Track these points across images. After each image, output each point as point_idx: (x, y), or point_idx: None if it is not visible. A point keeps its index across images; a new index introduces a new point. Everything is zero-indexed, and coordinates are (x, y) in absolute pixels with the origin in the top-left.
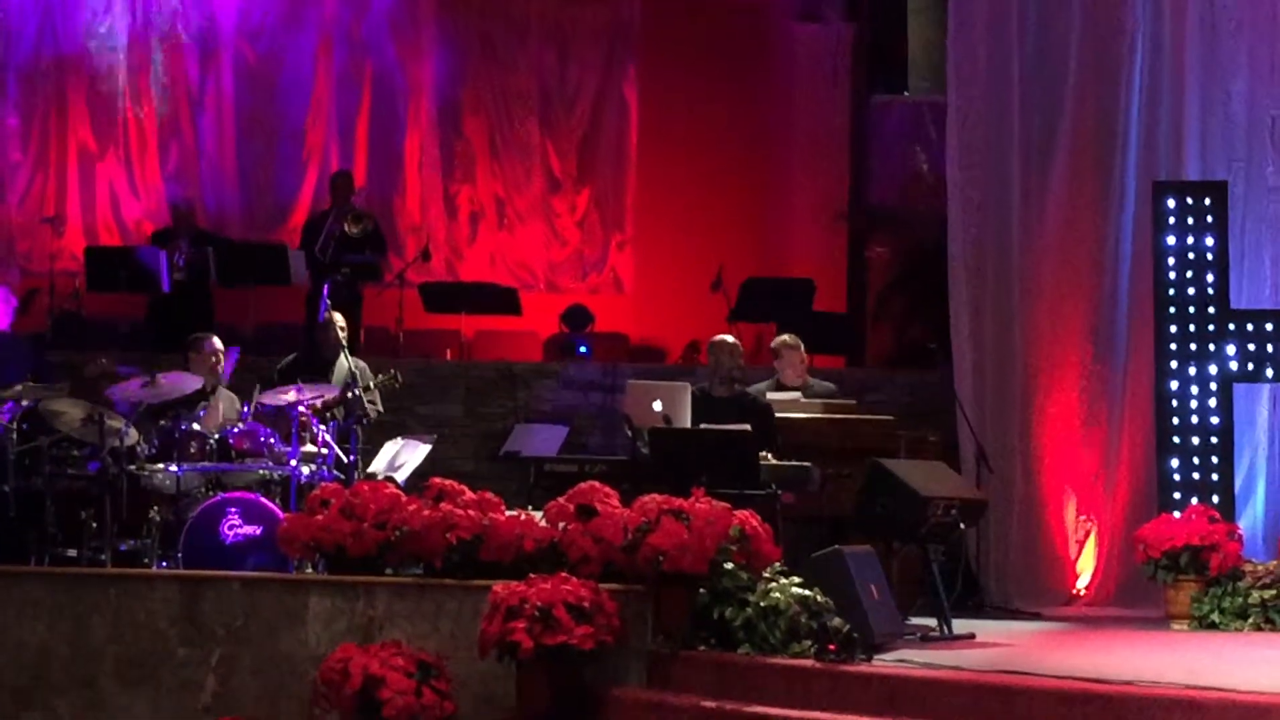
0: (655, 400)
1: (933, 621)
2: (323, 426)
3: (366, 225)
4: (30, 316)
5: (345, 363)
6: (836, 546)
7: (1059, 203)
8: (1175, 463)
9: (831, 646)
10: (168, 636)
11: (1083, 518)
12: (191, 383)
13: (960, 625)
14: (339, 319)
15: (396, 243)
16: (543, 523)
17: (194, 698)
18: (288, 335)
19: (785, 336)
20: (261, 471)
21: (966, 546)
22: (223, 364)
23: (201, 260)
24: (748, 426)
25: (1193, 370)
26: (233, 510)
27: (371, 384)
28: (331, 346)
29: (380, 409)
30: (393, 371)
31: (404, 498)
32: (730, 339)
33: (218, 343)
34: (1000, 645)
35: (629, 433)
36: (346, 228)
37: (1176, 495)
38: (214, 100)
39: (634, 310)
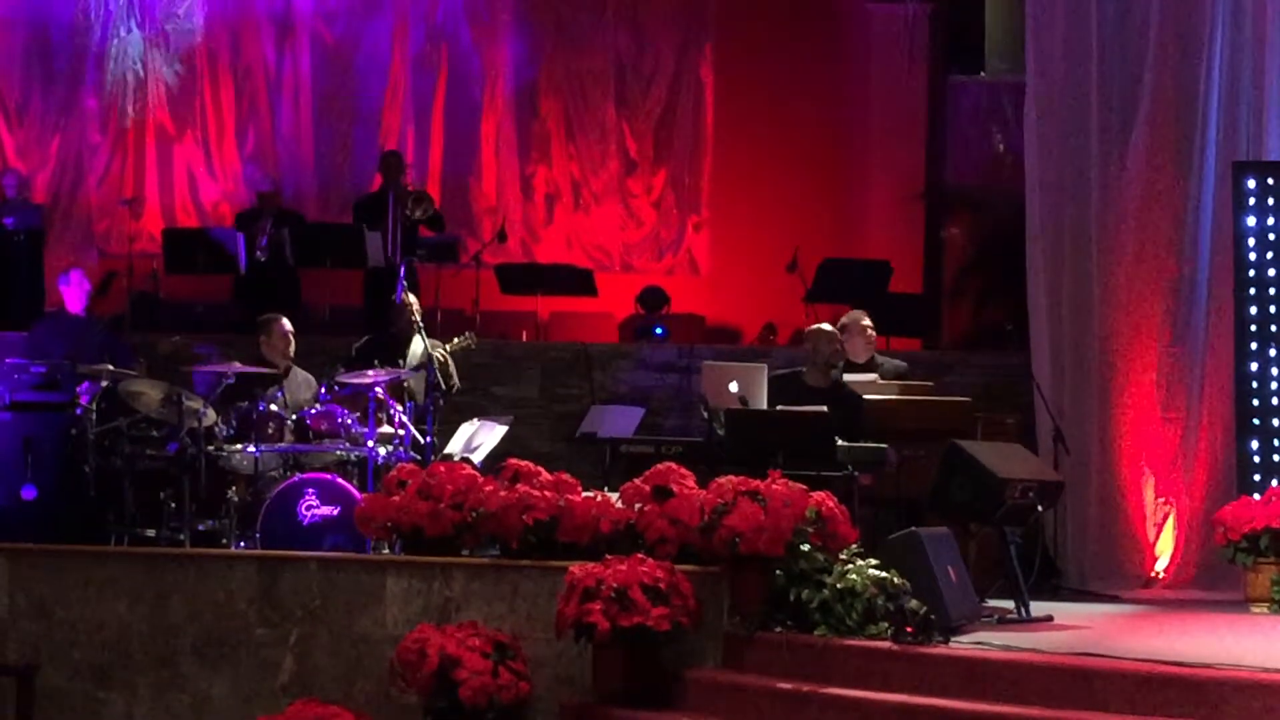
0: (731, 381)
1: (1010, 604)
2: (399, 407)
3: (428, 207)
4: (110, 299)
5: (421, 343)
6: (913, 528)
7: (1137, 183)
8: (1255, 444)
9: (909, 629)
10: (246, 616)
11: (1161, 500)
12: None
13: (1038, 608)
14: (414, 300)
15: (472, 224)
16: (619, 504)
17: (272, 677)
18: (360, 317)
19: (852, 312)
20: (339, 452)
21: (1044, 529)
22: (293, 345)
23: (278, 241)
24: (824, 408)
25: (1272, 352)
26: (310, 491)
27: (447, 353)
28: (406, 327)
29: (458, 383)
30: (467, 333)
31: (481, 479)
32: (828, 327)
33: (288, 324)
34: (1078, 628)
35: (705, 414)
36: (410, 212)
37: (1256, 477)
38: (291, 83)
39: (710, 291)
